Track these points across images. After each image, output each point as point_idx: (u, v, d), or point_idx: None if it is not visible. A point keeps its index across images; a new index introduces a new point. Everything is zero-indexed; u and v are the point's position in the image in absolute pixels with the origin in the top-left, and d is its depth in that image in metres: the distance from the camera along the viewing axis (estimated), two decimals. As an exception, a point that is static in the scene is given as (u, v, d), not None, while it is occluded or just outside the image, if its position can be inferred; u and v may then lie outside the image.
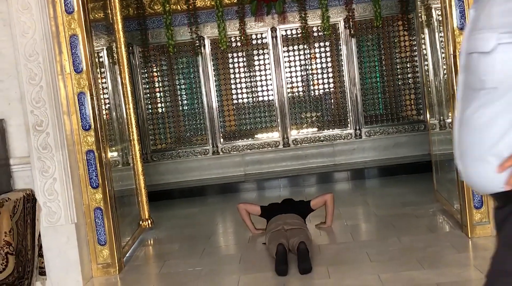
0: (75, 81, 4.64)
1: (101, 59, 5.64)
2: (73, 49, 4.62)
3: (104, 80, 5.64)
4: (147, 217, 5.97)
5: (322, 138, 8.80)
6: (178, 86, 9.00)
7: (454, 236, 4.79)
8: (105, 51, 5.75)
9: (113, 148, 5.61)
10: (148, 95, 8.91)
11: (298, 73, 8.90)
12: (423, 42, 6.18)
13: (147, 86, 8.90)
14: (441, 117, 5.72)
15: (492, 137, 1.50)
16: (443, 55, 5.02)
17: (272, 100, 8.89)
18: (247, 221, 5.62)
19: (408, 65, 8.83)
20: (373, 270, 4.19)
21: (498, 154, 1.48)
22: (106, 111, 5.58)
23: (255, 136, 8.91)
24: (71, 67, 4.63)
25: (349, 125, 8.81)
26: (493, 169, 1.49)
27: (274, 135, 8.88)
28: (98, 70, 5.29)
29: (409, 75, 8.83)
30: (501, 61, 1.48)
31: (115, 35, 5.75)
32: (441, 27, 4.96)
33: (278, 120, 8.84)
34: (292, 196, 6.09)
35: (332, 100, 9.03)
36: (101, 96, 5.28)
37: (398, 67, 8.85)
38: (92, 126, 4.67)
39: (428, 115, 6.27)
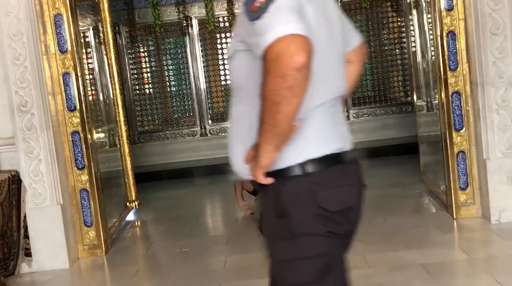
0: (59, 61, 4.59)
1: (87, 39, 5.58)
2: (58, 28, 4.56)
3: (90, 61, 5.58)
4: (134, 198, 5.95)
5: (310, 120, 8.78)
6: (166, 67, 8.94)
7: (440, 217, 4.83)
8: (91, 31, 5.69)
9: (100, 129, 5.58)
10: (135, 75, 8.85)
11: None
12: (411, 23, 6.16)
13: (134, 67, 8.82)
14: (428, 99, 5.72)
15: (242, 130, 1.75)
16: (431, 36, 5.01)
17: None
18: (238, 194, 5.77)
19: (396, 47, 8.82)
20: (359, 251, 4.20)
21: (245, 147, 1.73)
22: (92, 92, 5.54)
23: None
24: (56, 47, 4.58)
25: (337, 106, 8.79)
26: (240, 157, 1.76)
27: (262, 116, 8.84)
28: (84, 50, 5.25)
29: (397, 57, 8.82)
30: (238, 66, 1.76)
31: (101, 15, 5.68)
32: (429, 9, 4.94)
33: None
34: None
35: (321, 82, 8.99)
36: (87, 77, 5.24)
37: (386, 48, 8.83)
38: (78, 107, 4.63)
39: (415, 97, 6.27)
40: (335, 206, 1.73)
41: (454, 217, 4.69)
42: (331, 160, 1.75)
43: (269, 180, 1.70)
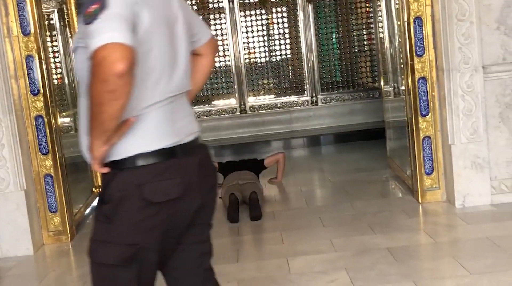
0: (22, 44, 4.48)
1: (51, 22, 5.46)
2: (20, 10, 4.44)
3: (55, 43, 5.48)
4: (100, 184, 5.88)
5: (279, 105, 8.79)
6: (133, 51, 8.80)
7: (405, 202, 4.88)
8: (56, 13, 5.57)
9: (65, 114, 5.49)
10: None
11: (255, 39, 8.82)
12: (379, 9, 6.19)
13: (101, 51, 8.67)
14: (395, 85, 5.77)
15: (84, 121, 1.84)
16: (398, 22, 5.04)
17: (229, 66, 8.80)
18: None
19: (364, 32, 8.84)
20: (326, 235, 4.25)
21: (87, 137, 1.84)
22: (58, 75, 5.44)
23: (212, 102, 8.84)
24: (19, 30, 4.46)
25: (305, 92, 8.81)
26: (85, 147, 1.88)
27: (231, 102, 8.82)
28: (48, 33, 5.14)
29: (365, 43, 8.85)
30: (79, 61, 1.87)
31: (66, -4, 5.56)
32: (397, -6, 4.96)
33: (235, 86, 8.77)
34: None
35: (289, 67, 9.00)
36: (52, 60, 5.14)
37: (354, 34, 8.85)
38: (41, 91, 4.53)
39: (382, 83, 6.32)
40: (159, 197, 1.84)
41: (420, 201, 4.75)
42: (162, 154, 1.87)
43: (104, 170, 1.87)
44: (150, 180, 1.84)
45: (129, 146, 1.84)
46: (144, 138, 1.85)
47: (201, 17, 8.60)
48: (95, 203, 5.81)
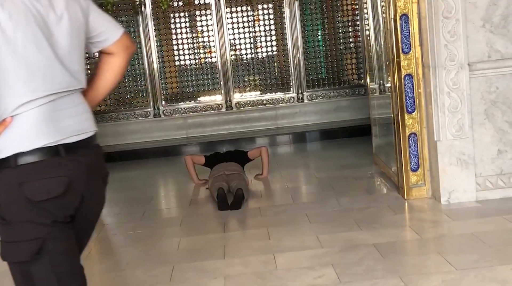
0: None
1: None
2: None
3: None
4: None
5: (265, 102, 8.80)
6: (118, 47, 8.75)
7: (391, 198, 4.91)
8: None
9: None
10: (86, 55, 8.60)
11: (242, 35, 8.81)
12: (365, 6, 6.21)
13: (86, 46, 8.60)
14: (381, 82, 5.79)
15: None
16: (384, 19, 5.05)
17: (215, 62, 8.79)
18: (191, 171, 6.05)
19: (350, 29, 8.87)
20: (312, 231, 4.25)
21: None
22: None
23: (198, 98, 8.82)
24: None
25: (291, 88, 8.82)
26: None
27: (217, 98, 8.81)
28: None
29: (351, 40, 8.88)
30: None
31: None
32: (383, -9, 4.97)
33: (221, 82, 8.76)
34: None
35: (275, 64, 9.00)
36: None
37: (340, 31, 8.87)
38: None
39: (368, 80, 6.34)
40: (41, 196, 1.87)
41: (405, 198, 4.77)
42: (43, 153, 1.88)
43: None
44: (31, 178, 1.87)
45: (8, 146, 1.86)
46: (22, 137, 1.87)
47: (186, 13, 8.58)
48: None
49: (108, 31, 2.14)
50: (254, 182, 5.97)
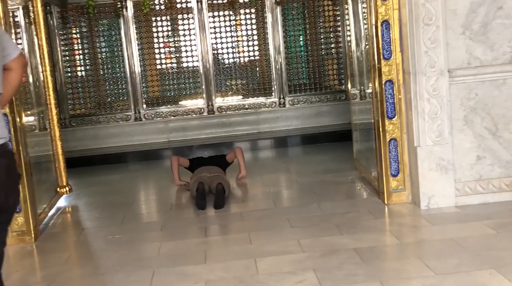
0: (-14, 40, 4.38)
1: (16, 19, 5.37)
2: (-16, 6, 4.35)
3: (19, 41, 5.37)
4: (64, 184, 5.80)
5: (246, 106, 8.80)
6: (99, 49, 8.71)
7: (371, 203, 4.94)
8: (21, 11, 5.47)
9: (29, 112, 5.39)
10: (67, 57, 8.56)
11: (224, 40, 8.80)
12: (346, 12, 6.24)
13: (66, 48, 8.54)
14: (362, 87, 5.82)
15: None
16: (366, 25, 5.09)
17: (197, 66, 8.77)
18: (174, 171, 6.18)
19: (331, 35, 8.91)
20: (294, 236, 4.26)
21: None
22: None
23: (179, 102, 8.79)
24: (-18, 26, 4.37)
25: (273, 93, 8.84)
26: None
27: (199, 102, 8.78)
28: (13, 30, 5.04)
29: (332, 45, 8.92)
30: None
31: (31, -7, 5.46)
32: (365, -2, 5.01)
33: (203, 87, 8.74)
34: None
35: (257, 68, 9.01)
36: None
37: (322, 37, 8.92)
38: (6, 89, 4.43)
39: (349, 85, 6.37)
40: None
41: (386, 203, 4.80)
42: None
43: None
44: None
45: None
46: None
47: (168, 16, 8.57)
48: (60, 203, 5.75)
49: (10, 48, 2.62)
50: (235, 186, 5.97)
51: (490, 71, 4.49)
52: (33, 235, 4.60)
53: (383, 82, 4.67)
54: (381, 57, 4.65)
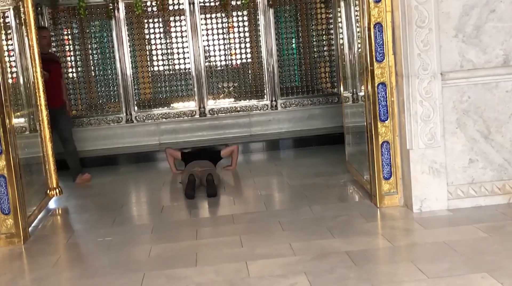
0: (-24, 40, 4.34)
1: (6, 20, 5.32)
2: (-26, 6, 4.31)
3: (10, 42, 5.33)
4: (55, 186, 5.74)
5: (238, 109, 8.77)
6: (90, 51, 8.66)
7: (363, 206, 4.92)
8: (11, 11, 5.42)
9: (19, 114, 5.34)
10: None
11: (216, 42, 8.78)
12: (339, 15, 6.23)
13: (57, 50, 8.49)
14: (354, 90, 5.81)
15: None
16: (358, 28, 5.08)
17: (189, 68, 8.74)
18: (170, 162, 6.93)
19: (324, 38, 8.91)
20: (285, 239, 4.23)
21: None
22: (12, 74, 5.29)
23: (171, 105, 8.76)
24: (-28, 26, 4.33)
25: (265, 96, 8.82)
26: None
27: (191, 105, 8.76)
28: (3, 31, 5.00)
29: (325, 48, 8.92)
30: None
31: (22, -6, 5.42)
32: (357, 1, 5.00)
33: (195, 89, 8.71)
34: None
35: (250, 71, 9.00)
36: (7, 59, 5.00)
37: (314, 39, 8.91)
38: (-5, 89, 4.40)
39: (341, 88, 6.36)
40: None
41: (378, 206, 4.79)
42: None
43: None
44: None
45: None
46: None
47: (160, 18, 8.54)
48: (50, 205, 5.70)
49: None
50: (226, 189, 5.94)
51: (482, 74, 4.49)
52: (22, 237, 4.55)
53: (376, 84, 4.66)
54: (374, 59, 4.64)
